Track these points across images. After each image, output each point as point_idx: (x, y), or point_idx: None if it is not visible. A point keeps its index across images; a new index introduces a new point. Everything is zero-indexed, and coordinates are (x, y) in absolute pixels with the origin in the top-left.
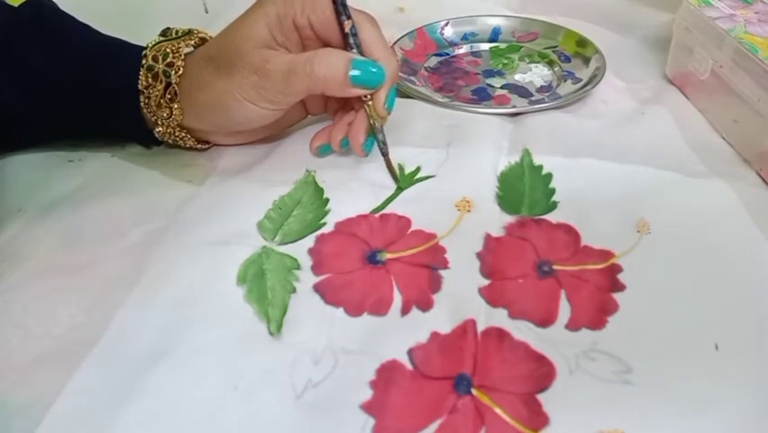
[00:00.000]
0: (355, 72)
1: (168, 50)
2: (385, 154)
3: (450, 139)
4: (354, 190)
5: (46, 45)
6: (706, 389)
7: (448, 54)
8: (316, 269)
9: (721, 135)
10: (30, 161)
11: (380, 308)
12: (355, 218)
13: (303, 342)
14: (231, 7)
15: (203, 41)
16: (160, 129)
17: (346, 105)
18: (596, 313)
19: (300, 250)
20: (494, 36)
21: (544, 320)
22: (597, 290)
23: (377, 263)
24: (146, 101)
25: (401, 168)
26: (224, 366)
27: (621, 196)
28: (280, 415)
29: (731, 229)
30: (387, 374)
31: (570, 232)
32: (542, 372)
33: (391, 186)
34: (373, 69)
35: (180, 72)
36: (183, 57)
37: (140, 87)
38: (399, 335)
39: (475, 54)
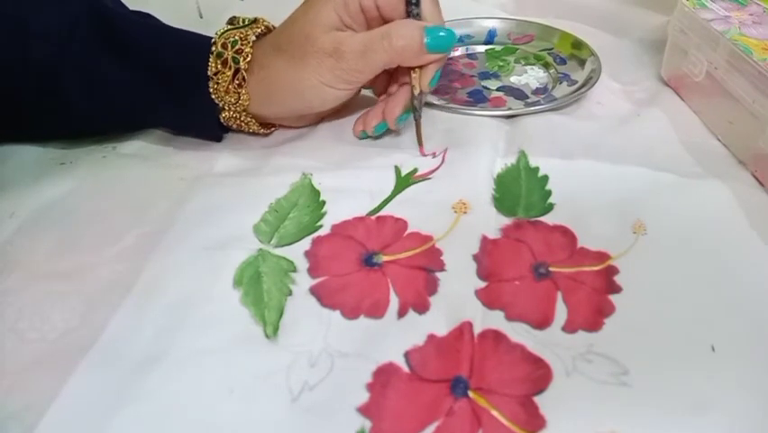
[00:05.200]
0: (430, 39)
1: (236, 37)
2: (417, 119)
3: (446, 141)
4: (351, 193)
5: (109, 42)
6: (702, 390)
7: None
8: (313, 271)
9: (716, 137)
10: (21, 165)
11: (377, 311)
12: (351, 221)
13: (299, 345)
14: (226, 12)
15: (267, 29)
16: (226, 114)
17: (390, 82)
18: (592, 315)
19: (296, 252)
20: (490, 38)
21: (541, 322)
22: (593, 292)
23: (373, 266)
24: (215, 87)
25: (398, 169)
26: (220, 370)
27: (617, 197)
28: (276, 418)
29: (727, 230)
30: (383, 377)
31: (566, 234)
32: (538, 374)
33: (387, 189)
34: (443, 34)
35: (249, 59)
36: (251, 44)
37: (209, 73)
38: (396, 337)
39: (471, 56)
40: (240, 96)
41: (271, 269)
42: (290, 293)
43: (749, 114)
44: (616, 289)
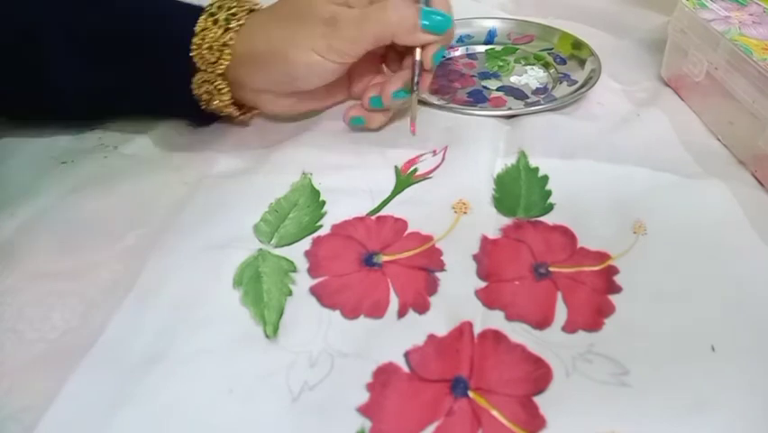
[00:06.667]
0: (425, 18)
1: (233, 3)
2: (415, 90)
3: (446, 141)
4: (351, 193)
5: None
6: (702, 390)
7: (443, 56)
8: (313, 271)
9: (716, 137)
10: (21, 165)
11: (377, 311)
12: (351, 221)
13: (299, 345)
14: None
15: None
16: (200, 75)
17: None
18: (592, 315)
19: (296, 252)
20: (490, 38)
21: (541, 322)
22: (593, 292)
23: (373, 266)
24: (198, 43)
25: (398, 169)
26: (220, 370)
27: (617, 197)
28: (276, 418)
29: (727, 230)
30: (383, 377)
31: (566, 234)
32: (538, 374)
33: (387, 189)
34: (440, 17)
35: (242, 22)
36: (246, 11)
37: (196, 29)
38: (396, 337)
39: (471, 56)
40: (222, 55)
41: (271, 269)
42: (290, 293)
43: (749, 114)
44: (616, 289)
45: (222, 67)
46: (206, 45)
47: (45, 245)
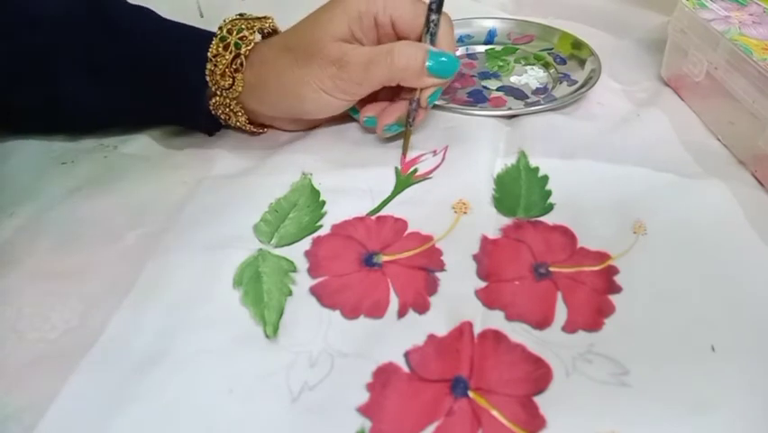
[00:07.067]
0: (432, 63)
1: (242, 26)
2: (409, 125)
3: (446, 141)
4: (351, 193)
5: (107, 29)
6: (703, 390)
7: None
8: (313, 271)
9: (716, 137)
10: (21, 165)
11: (377, 311)
12: (351, 221)
13: (299, 345)
14: (226, 11)
15: (274, 30)
16: (217, 99)
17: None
18: (592, 315)
19: (296, 252)
20: (490, 38)
21: (541, 322)
22: (593, 292)
23: (373, 266)
24: (212, 68)
25: (398, 169)
26: (220, 370)
27: (617, 197)
28: (276, 418)
29: (727, 230)
30: (383, 377)
31: (566, 234)
32: (538, 374)
33: (387, 189)
34: (446, 60)
35: (251, 47)
36: (255, 33)
37: (209, 54)
38: (396, 337)
39: (471, 56)
40: (234, 81)
41: (271, 269)
42: (290, 293)
43: (749, 114)
44: (616, 289)
45: (236, 93)
46: (219, 71)
47: (45, 245)
